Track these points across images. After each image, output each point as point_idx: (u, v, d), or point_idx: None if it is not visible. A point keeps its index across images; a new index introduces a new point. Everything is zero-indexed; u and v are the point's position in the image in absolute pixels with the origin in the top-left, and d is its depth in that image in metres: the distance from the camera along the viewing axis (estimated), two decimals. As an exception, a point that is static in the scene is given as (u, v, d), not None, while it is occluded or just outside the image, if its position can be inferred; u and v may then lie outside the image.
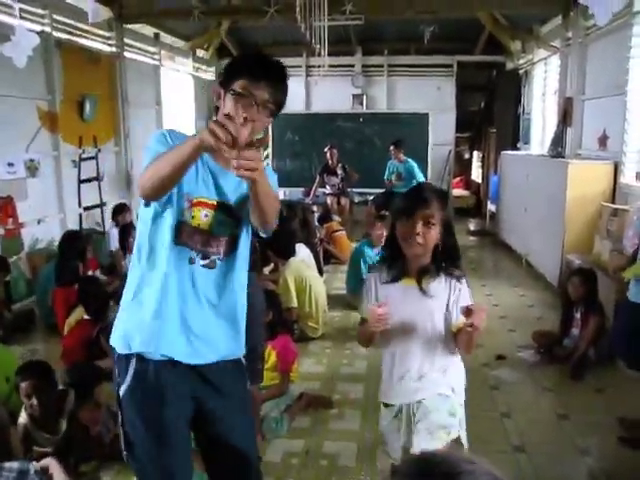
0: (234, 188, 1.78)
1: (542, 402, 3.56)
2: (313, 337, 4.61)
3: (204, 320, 1.77)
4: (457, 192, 11.67)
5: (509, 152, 8.36)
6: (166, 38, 8.57)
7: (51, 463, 2.16)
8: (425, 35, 8.47)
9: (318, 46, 7.31)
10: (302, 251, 5.20)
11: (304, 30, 7.32)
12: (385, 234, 5.31)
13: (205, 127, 1.49)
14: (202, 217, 1.74)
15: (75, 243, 5.01)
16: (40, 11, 5.77)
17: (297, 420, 3.31)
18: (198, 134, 1.51)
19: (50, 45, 5.85)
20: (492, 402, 3.48)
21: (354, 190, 9.22)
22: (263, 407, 3.24)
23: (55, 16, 5.97)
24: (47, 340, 4.64)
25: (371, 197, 9.02)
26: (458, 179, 12.25)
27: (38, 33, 5.16)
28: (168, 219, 1.71)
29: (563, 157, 6.22)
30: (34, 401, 2.70)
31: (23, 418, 2.76)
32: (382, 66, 10.20)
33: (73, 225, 6.24)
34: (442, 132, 9.90)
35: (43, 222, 5.84)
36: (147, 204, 1.71)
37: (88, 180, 6.55)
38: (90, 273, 5.26)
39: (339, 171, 8.79)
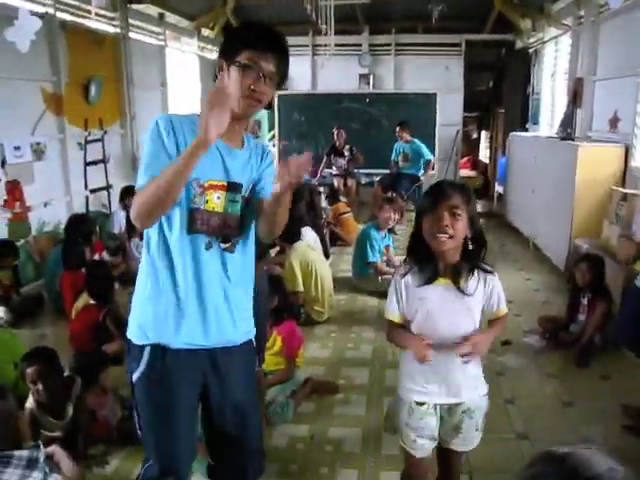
0: (241, 167, 1.79)
1: (547, 389, 3.56)
2: (319, 321, 4.62)
3: (223, 304, 1.79)
4: (464, 172, 11.61)
5: (518, 133, 8.26)
6: (171, 18, 8.47)
7: (56, 450, 2.19)
8: (433, 14, 8.33)
9: (325, 26, 7.23)
10: (308, 234, 5.19)
11: (310, 9, 7.23)
12: (393, 217, 5.42)
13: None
14: (215, 200, 1.74)
15: (81, 227, 5.03)
16: (44, -8, 5.72)
17: (302, 405, 3.33)
18: (193, 143, 1.56)
19: (54, 27, 5.80)
20: (497, 388, 3.48)
21: (360, 171, 9.18)
22: (269, 392, 3.27)
23: (59, -3, 5.91)
24: (55, 324, 4.68)
25: (377, 178, 8.99)
26: (465, 159, 12.17)
27: (42, 15, 5.13)
28: (178, 208, 1.70)
29: (572, 139, 6.14)
30: (40, 387, 2.74)
31: (30, 403, 2.80)
32: (389, 45, 10.06)
33: (79, 208, 6.25)
34: (450, 112, 9.79)
35: (50, 205, 5.84)
36: None
37: (94, 162, 6.54)
38: (97, 256, 5.29)
39: (346, 152, 8.76)
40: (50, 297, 4.96)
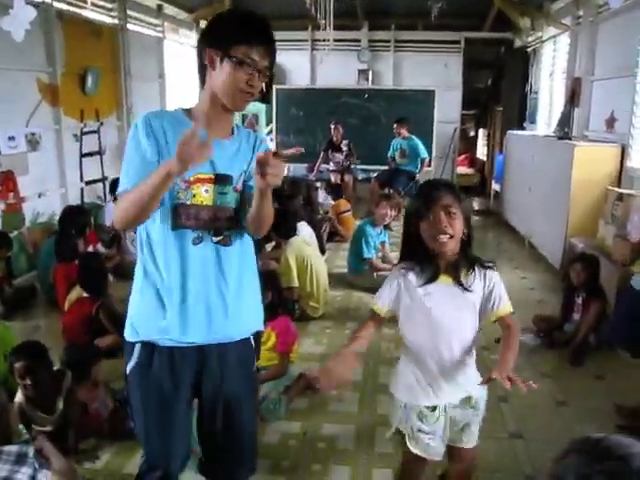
0: (229, 158, 1.76)
1: (541, 388, 3.55)
2: (313, 317, 4.61)
3: (216, 299, 1.76)
4: (462, 170, 11.59)
5: (515, 131, 8.26)
6: (169, 9, 8.42)
7: (45, 444, 2.17)
8: (433, 10, 8.30)
9: (324, 21, 7.20)
10: (304, 230, 5.18)
11: (309, 3, 7.20)
12: (390, 213, 5.41)
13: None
14: (203, 193, 1.71)
15: (75, 218, 5.00)
16: (41, -19, 5.66)
17: (295, 402, 3.32)
18: (166, 164, 1.51)
19: (51, 16, 5.74)
20: (490, 386, 3.47)
21: (358, 167, 9.16)
22: (262, 388, 3.25)
23: (56, -14, 5.86)
24: (49, 316, 4.65)
25: (375, 174, 8.97)
26: (463, 157, 12.16)
27: (38, 4, 5.08)
28: (161, 206, 1.67)
29: (569, 138, 6.14)
30: (28, 381, 2.71)
31: (19, 398, 2.78)
32: (389, 41, 10.03)
33: (74, 199, 6.22)
34: (448, 109, 9.78)
35: (44, 196, 5.80)
36: None
37: (90, 154, 6.50)
38: (91, 248, 5.26)
39: (344, 147, 8.74)
40: (43, 289, 4.93)
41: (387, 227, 5.73)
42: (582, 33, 6.54)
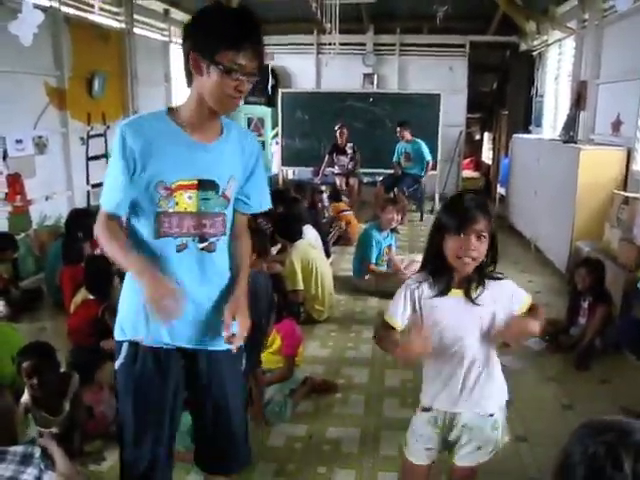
0: (215, 162, 1.72)
1: (546, 391, 3.55)
2: (319, 320, 4.61)
3: (199, 306, 1.77)
4: (467, 173, 11.61)
5: (521, 135, 8.25)
6: (176, 14, 8.45)
7: (49, 444, 2.18)
8: (438, 14, 8.32)
9: (329, 24, 7.22)
10: (309, 233, 5.19)
11: (315, 7, 7.21)
12: (396, 218, 5.40)
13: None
14: (186, 200, 1.68)
15: (81, 221, 5.01)
16: (48, -14, 5.70)
17: (301, 405, 3.32)
18: (142, 275, 1.63)
19: (58, 20, 5.79)
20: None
21: (363, 170, 9.16)
22: (267, 391, 3.25)
23: (63, -9, 5.90)
24: (55, 318, 4.66)
25: (380, 178, 8.97)
26: (468, 160, 12.17)
27: (46, 8, 5.12)
28: (143, 215, 1.69)
29: (575, 142, 6.13)
30: (35, 381, 2.73)
31: (25, 398, 2.79)
32: (394, 45, 10.05)
33: (81, 202, 6.25)
34: (453, 113, 9.78)
35: (51, 199, 5.83)
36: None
37: (96, 157, 6.53)
38: (97, 250, 5.27)
39: (348, 150, 8.74)
40: (50, 291, 4.95)
41: (394, 230, 5.73)
42: (588, 36, 6.53)
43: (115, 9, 6.94)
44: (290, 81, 10.47)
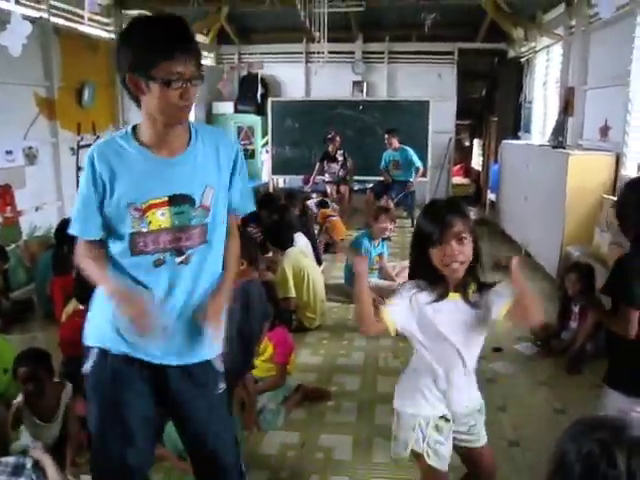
0: (185, 175, 1.69)
1: (538, 396, 3.56)
2: (310, 328, 4.61)
3: (171, 320, 1.75)
4: (457, 180, 11.65)
5: (510, 141, 8.30)
6: (165, 24, 8.48)
7: (43, 457, 2.17)
8: (426, 22, 8.38)
9: (318, 33, 7.25)
10: (300, 240, 5.19)
11: (304, 16, 7.25)
12: (389, 227, 5.41)
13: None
14: (159, 217, 1.67)
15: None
16: (37, -4, 5.71)
17: (293, 412, 3.32)
18: (114, 293, 1.66)
19: (48, 31, 5.79)
20: (488, 395, 3.46)
21: (353, 178, 9.18)
22: (260, 399, 3.25)
23: (52, 2, 5.90)
24: (46, 329, 4.63)
25: (370, 185, 9.00)
26: (458, 167, 12.21)
27: (35, 19, 5.12)
28: (117, 237, 1.70)
29: (564, 147, 6.18)
30: (30, 386, 2.72)
31: (18, 400, 2.78)
32: (383, 53, 10.10)
33: (71, 212, 6.21)
34: (443, 120, 9.82)
35: (41, 210, 5.82)
36: None
37: (86, 167, 6.51)
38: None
39: (339, 157, 8.75)
40: (40, 302, 4.92)
41: (386, 238, 5.74)
42: (575, 43, 6.60)
43: (104, 20, 6.96)
44: (280, 90, 10.50)
